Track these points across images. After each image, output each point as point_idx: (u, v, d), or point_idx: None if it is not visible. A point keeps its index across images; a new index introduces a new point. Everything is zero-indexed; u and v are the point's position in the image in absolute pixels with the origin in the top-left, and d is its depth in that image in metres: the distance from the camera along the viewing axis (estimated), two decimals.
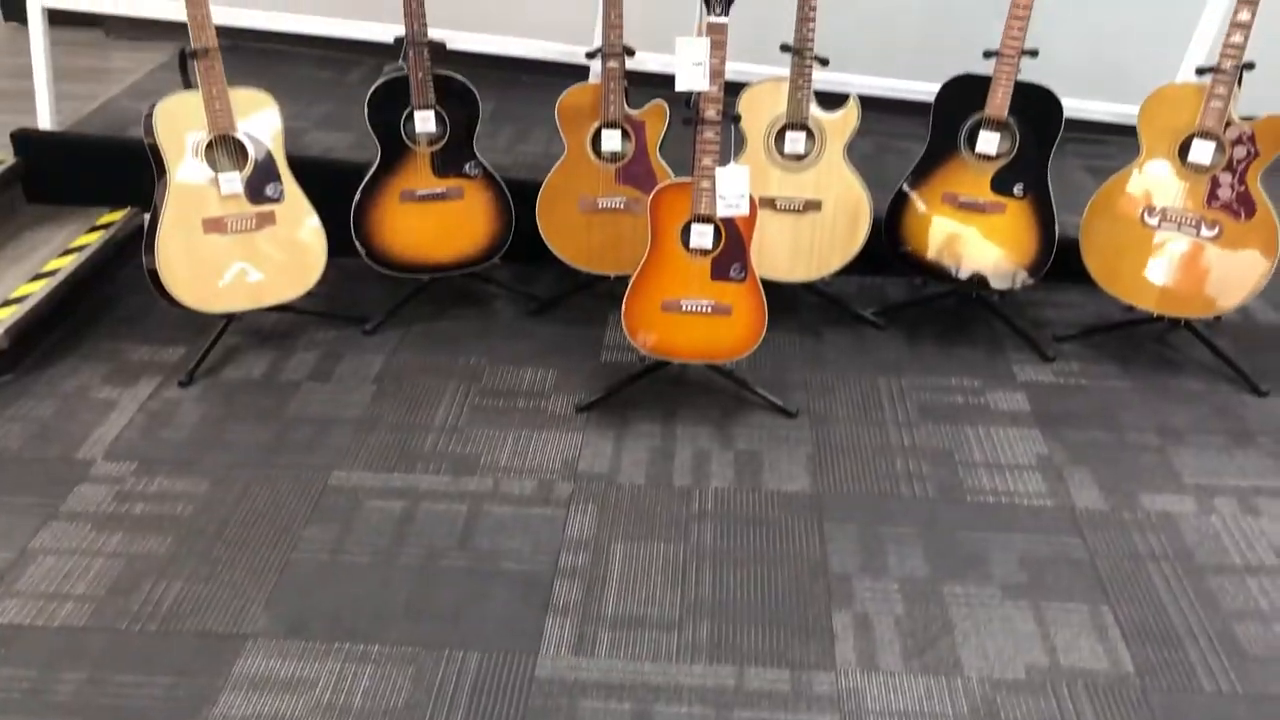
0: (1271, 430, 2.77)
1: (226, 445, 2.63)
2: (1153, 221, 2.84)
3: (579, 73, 3.21)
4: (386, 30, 3.00)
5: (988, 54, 2.80)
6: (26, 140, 3.39)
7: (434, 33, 2.91)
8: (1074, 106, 2.98)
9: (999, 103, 2.81)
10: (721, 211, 2.59)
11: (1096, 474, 2.60)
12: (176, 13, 2.75)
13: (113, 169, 3.40)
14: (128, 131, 3.47)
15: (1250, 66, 2.65)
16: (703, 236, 2.62)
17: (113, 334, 3.05)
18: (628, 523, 2.42)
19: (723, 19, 2.53)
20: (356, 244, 3.01)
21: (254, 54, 4.01)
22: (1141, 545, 2.39)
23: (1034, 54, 2.77)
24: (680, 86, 2.54)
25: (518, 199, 3.10)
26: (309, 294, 2.92)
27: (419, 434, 2.68)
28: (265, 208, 2.82)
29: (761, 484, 2.55)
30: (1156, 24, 3.58)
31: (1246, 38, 2.62)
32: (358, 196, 2.98)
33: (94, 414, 2.72)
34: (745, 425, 2.74)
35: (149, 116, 2.68)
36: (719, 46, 2.52)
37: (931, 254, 3.02)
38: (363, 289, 3.22)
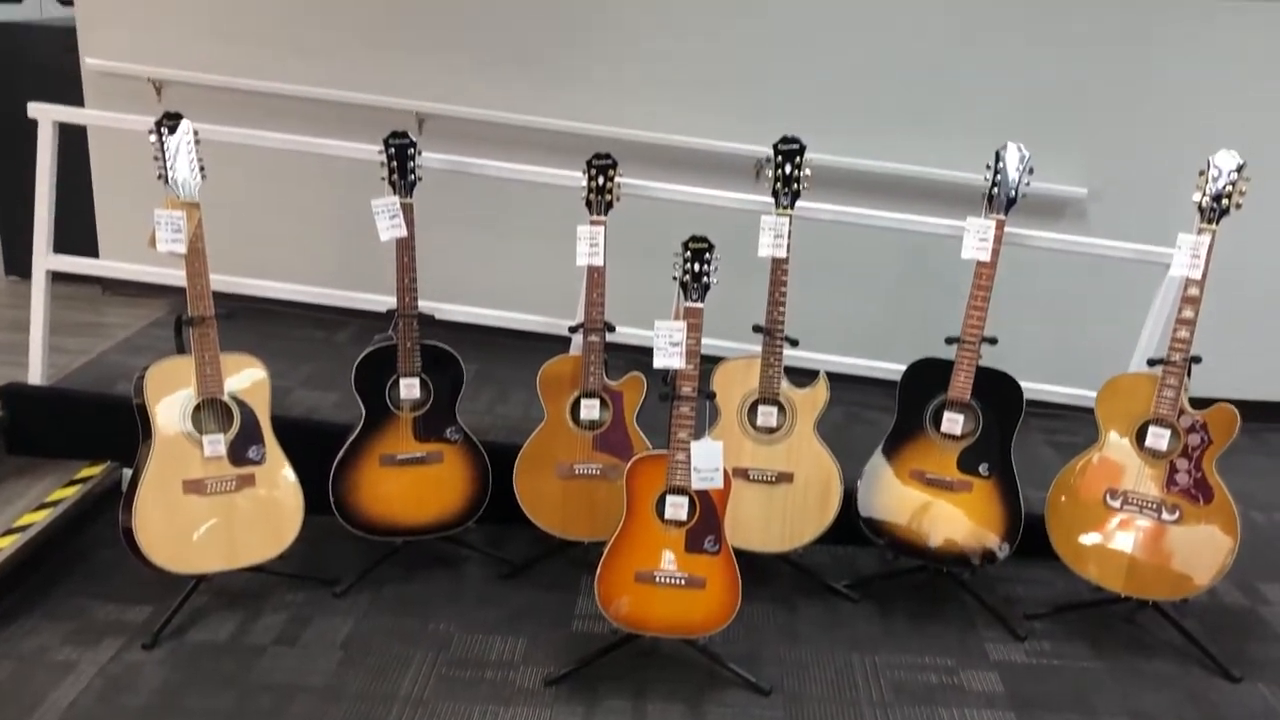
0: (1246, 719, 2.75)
1: (186, 714, 2.55)
2: (1115, 504, 2.91)
3: (559, 338, 3.34)
4: (378, 301, 3.15)
5: (949, 340, 2.95)
6: (14, 396, 3.45)
7: (423, 304, 3.05)
8: (1034, 389, 3.12)
9: (961, 386, 2.94)
10: (696, 484, 2.65)
11: None
12: (177, 279, 2.88)
13: (97, 424, 3.45)
14: (116, 387, 3.54)
15: (1197, 360, 2.80)
16: (678, 508, 2.66)
17: (79, 590, 3.01)
18: None
19: (698, 304, 2.68)
20: (333, 507, 3.03)
21: (245, 311, 4.15)
22: None
23: (993, 341, 2.93)
24: (658, 364, 2.66)
25: (495, 462, 3.16)
26: (282, 554, 2.92)
27: (383, 705, 2.62)
28: (246, 470, 2.86)
29: None
30: (1109, 313, 3.79)
31: (1192, 333, 2.78)
32: (338, 460, 3.03)
33: (51, 677, 2.64)
34: (719, 704, 2.69)
35: (140, 379, 2.76)
36: (694, 329, 2.65)
37: (902, 528, 3.07)
38: (335, 548, 3.21)
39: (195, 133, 2.84)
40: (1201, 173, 2.80)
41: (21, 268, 4.58)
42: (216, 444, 2.81)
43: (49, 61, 4.39)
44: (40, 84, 4.19)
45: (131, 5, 4.19)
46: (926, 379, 3.00)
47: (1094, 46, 3.95)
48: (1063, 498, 2.99)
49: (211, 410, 2.83)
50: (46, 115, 3.30)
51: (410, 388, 3.04)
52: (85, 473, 3.40)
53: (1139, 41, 3.94)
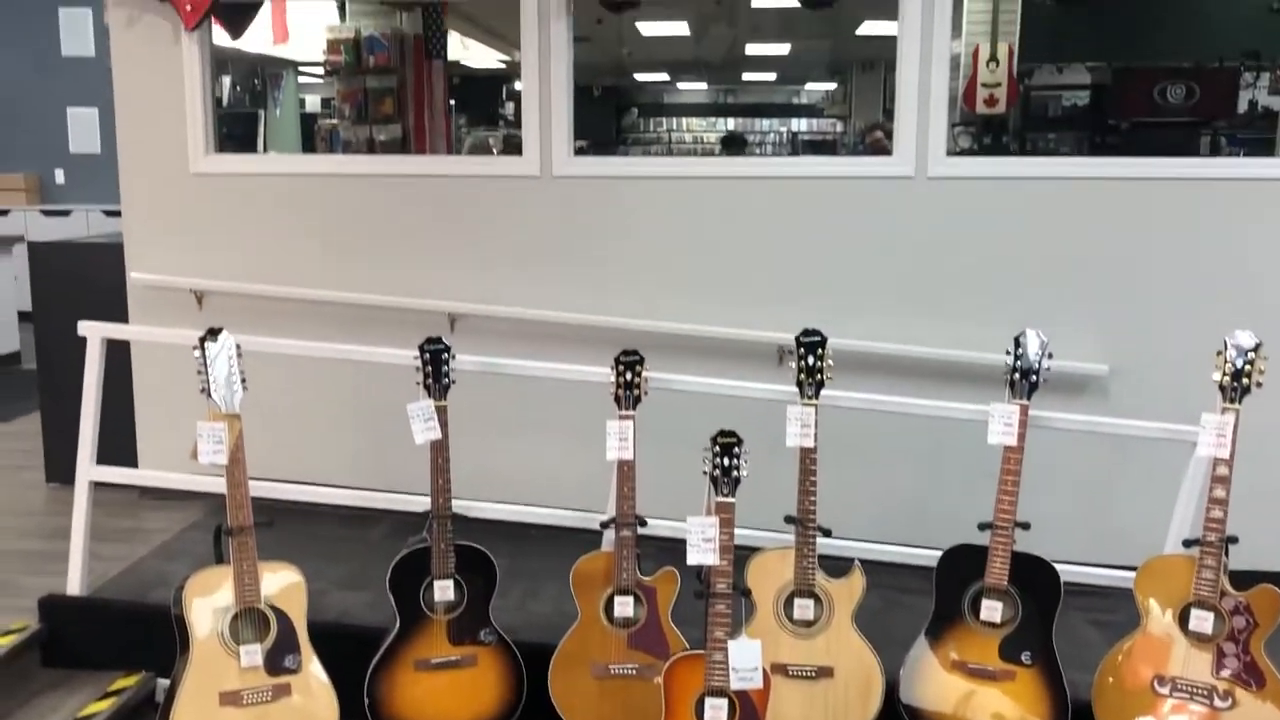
0: None
1: None
2: (1164, 690, 2.84)
3: (590, 532, 3.35)
4: (412, 501, 3.20)
5: (982, 526, 2.95)
6: (53, 607, 3.48)
7: (456, 502, 3.10)
8: (1071, 571, 3.09)
9: (998, 573, 2.92)
10: (735, 684, 2.62)
11: None
12: (215, 485, 2.94)
13: (134, 632, 3.46)
14: (152, 594, 3.56)
15: (1234, 540, 2.78)
16: (717, 710, 2.63)
17: None
18: None
19: (730, 499, 2.71)
20: (368, 713, 3.00)
21: (279, 510, 4.20)
22: None
23: (1025, 526, 2.92)
24: (692, 561, 2.67)
25: (529, 662, 3.13)
26: None
27: None
28: (282, 679, 2.85)
29: None
30: (1140, 489, 3.78)
31: (1225, 512, 2.78)
32: (373, 665, 3.01)
33: None
34: None
35: (179, 591, 2.79)
36: (727, 524, 2.67)
37: (947, 718, 3.00)
38: None
39: (237, 347, 2.95)
40: (1219, 352, 2.85)
41: (62, 474, 4.68)
42: (254, 654, 2.81)
43: (96, 276, 4.60)
44: (87, 297, 4.38)
45: (174, 222, 4.41)
46: (962, 566, 2.99)
47: (1106, 227, 4.06)
48: (1110, 679, 2.92)
49: (249, 619, 2.84)
50: (95, 333, 3.45)
51: (445, 590, 3.05)
52: (120, 684, 3.39)
53: (1151, 221, 4.06)
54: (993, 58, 7.33)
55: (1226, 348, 2.84)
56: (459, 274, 4.33)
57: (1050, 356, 3.01)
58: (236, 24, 4.65)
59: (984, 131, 7.96)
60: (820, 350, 3.04)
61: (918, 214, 4.13)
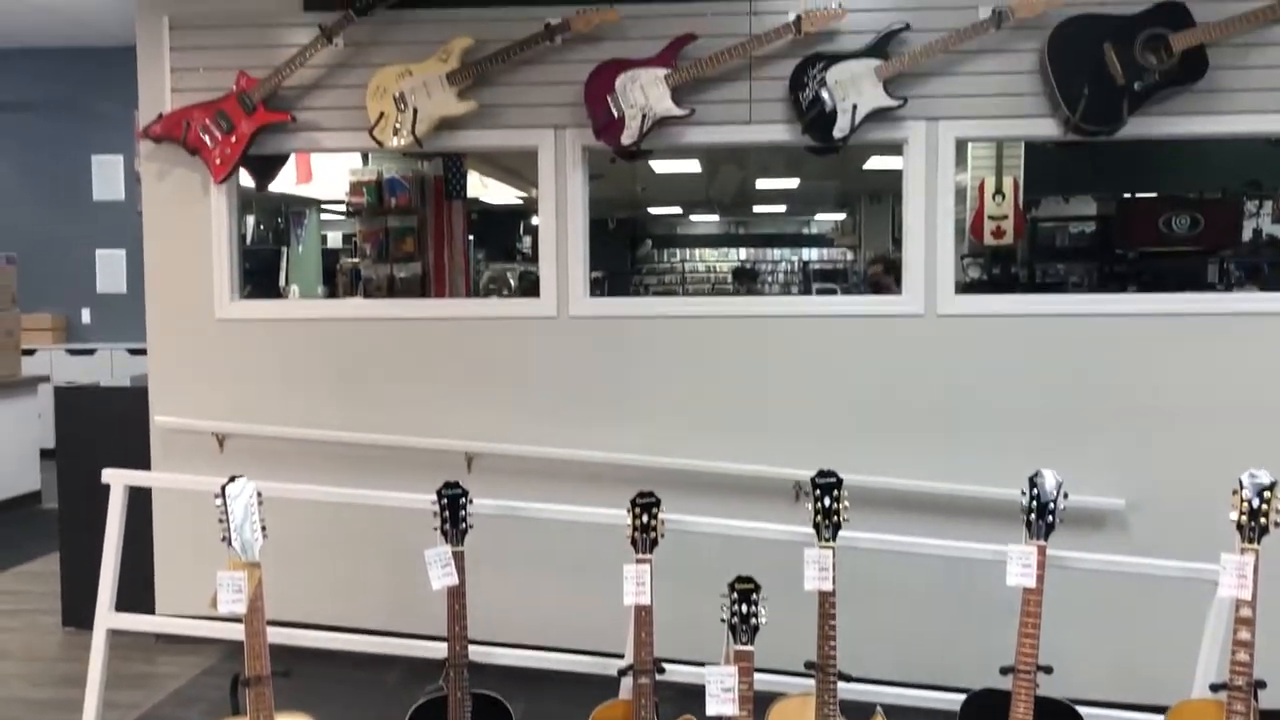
0: None
1: None
2: None
3: (608, 678, 3.31)
4: (428, 649, 3.18)
5: (1004, 670, 2.91)
6: None
7: (473, 649, 3.08)
8: (1096, 715, 3.04)
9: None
10: None
11: None
12: (232, 631, 2.93)
13: None
14: None
15: (1262, 685, 2.73)
16: None
17: None
18: None
19: (748, 646, 2.69)
20: None
21: (294, 652, 4.17)
22: None
23: (1048, 670, 2.88)
24: (711, 711, 2.64)
25: None
26: None
27: None
28: None
29: None
30: (1163, 626, 3.73)
31: (1251, 655, 2.73)
32: None
33: None
34: None
35: None
36: (746, 673, 2.65)
37: None
38: None
39: (258, 494, 2.98)
40: (1235, 492, 2.85)
41: (78, 618, 4.67)
42: None
43: (120, 419, 4.66)
44: (111, 439, 4.45)
45: (198, 366, 4.50)
46: (985, 712, 2.93)
47: (1116, 361, 4.10)
48: None
49: None
50: (119, 480, 3.49)
51: None
52: None
53: (1161, 355, 4.10)
54: (998, 190, 7.51)
55: (1243, 487, 2.84)
56: (477, 413, 4.38)
57: (1066, 496, 3.01)
58: (264, 174, 4.83)
59: (993, 262, 8.09)
60: (836, 491, 3.05)
61: (929, 351, 4.19)
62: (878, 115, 4.03)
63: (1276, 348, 4.05)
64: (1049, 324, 4.17)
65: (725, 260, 19.30)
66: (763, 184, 13.07)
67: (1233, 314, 4.14)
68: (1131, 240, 7.53)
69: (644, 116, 4.08)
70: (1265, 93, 3.98)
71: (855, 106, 4.01)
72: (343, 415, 4.43)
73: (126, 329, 8.76)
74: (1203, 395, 4.07)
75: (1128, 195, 7.73)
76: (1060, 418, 4.12)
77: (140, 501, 4.38)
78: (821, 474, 3.08)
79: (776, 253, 19.46)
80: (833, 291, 12.64)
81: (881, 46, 4.03)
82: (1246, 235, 7.95)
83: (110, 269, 9.11)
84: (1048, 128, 4.08)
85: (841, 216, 17.11)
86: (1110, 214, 7.94)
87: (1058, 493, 3.00)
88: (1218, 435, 4.02)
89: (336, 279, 8.75)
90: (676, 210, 17.78)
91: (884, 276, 9.22)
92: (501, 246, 13.44)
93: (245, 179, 4.79)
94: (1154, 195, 7.58)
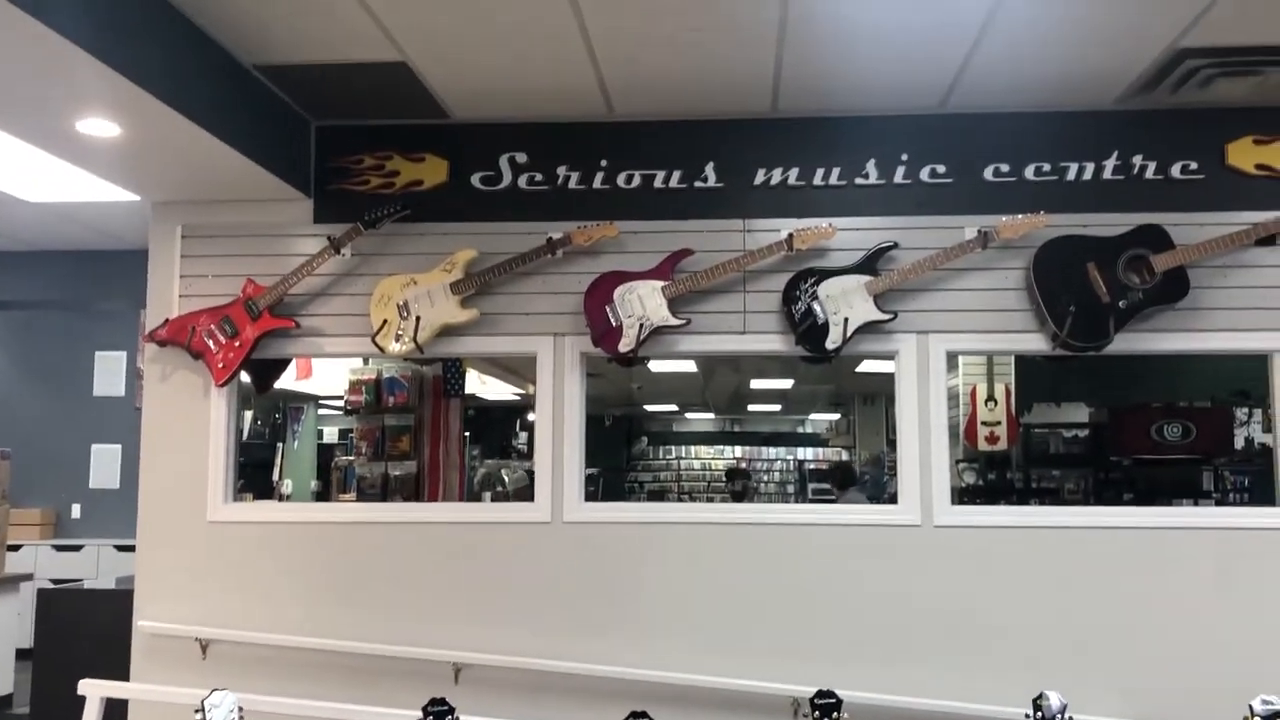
0: None
1: None
2: None
3: None
4: None
5: None
6: None
7: None
8: None
9: None
10: None
11: None
12: None
13: None
14: None
15: None
16: None
17: None
18: None
19: None
20: None
21: None
22: None
23: None
24: None
25: None
26: None
27: None
28: None
29: None
30: None
31: None
32: None
33: None
34: None
35: None
36: None
37: None
38: None
39: (240, 709, 2.88)
40: (1246, 719, 2.77)
41: None
42: None
43: (101, 622, 4.57)
44: (91, 643, 4.33)
45: (186, 570, 4.42)
46: None
47: (1114, 574, 4.07)
48: None
49: None
50: (95, 691, 3.39)
51: None
52: None
53: (1160, 568, 4.06)
54: (990, 397, 7.60)
55: (1254, 713, 2.76)
56: (467, 621, 4.29)
57: (1070, 719, 2.92)
58: (265, 377, 4.88)
59: (988, 467, 8.11)
60: (835, 713, 2.96)
61: (926, 562, 4.15)
62: (869, 328, 4.13)
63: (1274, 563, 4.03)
64: (1044, 536, 4.15)
65: (721, 458, 19.33)
66: (757, 384, 13.24)
67: (1229, 529, 4.13)
68: (1125, 448, 7.59)
69: (641, 325, 4.17)
70: (1243, 311, 4.10)
71: (847, 320, 4.11)
72: (332, 621, 4.33)
73: (116, 525, 8.64)
74: (1207, 610, 4.01)
75: (1119, 403, 7.83)
76: (1062, 632, 4.05)
77: (118, 710, 4.24)
78: (821, 694, 2.99)
79: (772, 451, 19.52)
80: (828, 492, 12.61)
81: (871, 263, 4.17)
82: (1239, 443, 8.00)
83: (104, 464, 9.07)
84: (1036, 342, 4.17)
85: (836, 416, 17.25)
86: (1102, 421, 8.02)
87: (1063, 714, 2.90)
88: (1226, 651, 3.94)
89: (331, 475, 8.72)
90: (673, 408, 17.94)
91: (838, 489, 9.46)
92: (497, 443, 13.47)
93: (245, 379, 4.84)
94: (1145, 403, 7.68)
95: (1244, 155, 4.17)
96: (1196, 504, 7.07)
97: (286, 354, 4.65)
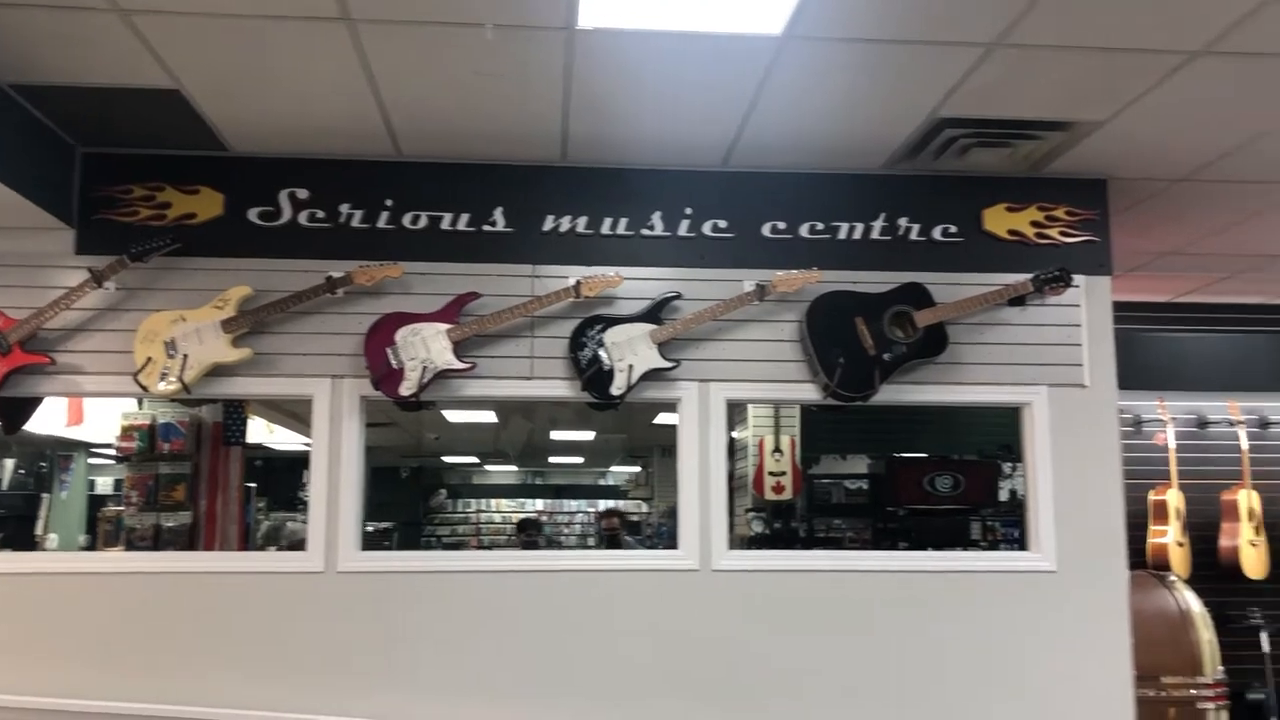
0: None
1: None
2: None
3: None
4: None
5: None
6: None
7: None
8: None
9: None
10: None
11: None
12: None
13: None
14: None
15: None
16: None
17: None
18: None
19: None
20: None
21: None
22: None
23: None
24: None
25: None
26: None
27: None
28: None
29: None
30: None
31: None
32: None
33: None
34: None
35: None
36: None
37: None
38: None
39: None
40: None
41: None
42: None
43: None
44: None
45: None
46: None
47: (890, 615, 4.23)
48: None
49: None
50: None
51: None
52: None
53: (933, 609, 4.25)
54: (776, 448, 7.84)
55: None
56: (242, 677, 4.06)
57: None
58: (14, 418, 4.53)
59: (775, 516, 8.33)
60: None
61: (704, 606, 4.20)
62: (653, 375, 4.19)
63: (1028, 603, 4.28)
64: (821, 580, 4.28)
65: (521, 510, 19.20)
66: (557, 435, 13.24)
67: (987, 571, 4.37)
68: (900, 498, 7.93)
69: (424, 369, 4.11)
70: (997, 366, 4.38)
71: (631, 367, 4.16)
72: (97, 680, 4.02)
73: None
74: (977, 648, 4.22)
75: (896, 455, 8.20)
76: (832, 674, 4.17)
77: None
78: None
79: (574, 504, 19.52)
80: (627, 543, 12.69)
81: (655, 312, 4.24)
82: (1004, 495, 8.50)
83: None
84: (809, 392, 4.33)
85: (637, 469, 17.42)
86: (880, 473, 8.38)
87: None
88: (994, 690, 4.14)
89: (98, 527, 8.17)
90: (473, 460, 17.71)
91: (619, 530, 9.56)
92: (286, 494, 12.95)
93: None
94: (919, 456, 8.06)
95: (998, 221, 4.48)
96: (965, 550, 7.45)
97: (41, 392, 4.32)
